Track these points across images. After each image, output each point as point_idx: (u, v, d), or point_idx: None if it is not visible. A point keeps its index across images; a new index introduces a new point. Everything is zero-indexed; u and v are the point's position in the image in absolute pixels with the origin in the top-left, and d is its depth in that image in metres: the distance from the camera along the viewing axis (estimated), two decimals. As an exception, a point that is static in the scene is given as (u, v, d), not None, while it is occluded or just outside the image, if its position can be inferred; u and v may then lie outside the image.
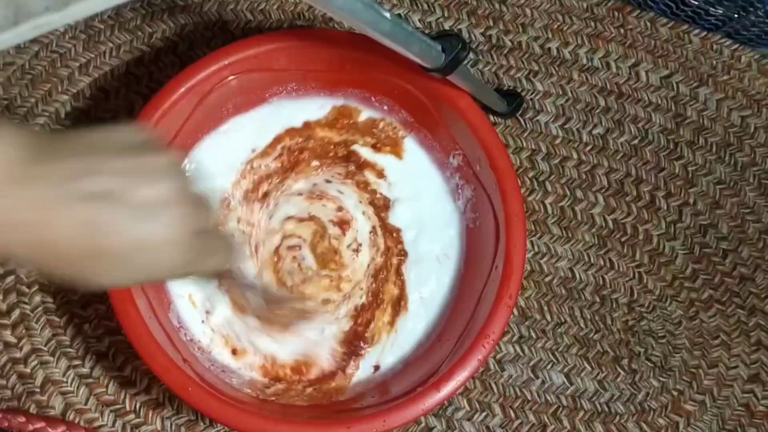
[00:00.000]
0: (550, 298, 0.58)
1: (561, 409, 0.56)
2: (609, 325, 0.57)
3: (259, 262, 0.53)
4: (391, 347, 0.53)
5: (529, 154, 0.60)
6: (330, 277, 0.54)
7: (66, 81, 0.59)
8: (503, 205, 0.49)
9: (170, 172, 0.31)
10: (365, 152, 0.56)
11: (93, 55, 0.59)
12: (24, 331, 0.54)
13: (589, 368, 0.56)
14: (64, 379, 0.53)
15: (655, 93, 0.62)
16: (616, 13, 0.63)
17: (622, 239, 0.59)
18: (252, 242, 0.54)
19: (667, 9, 0.62)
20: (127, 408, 0.53)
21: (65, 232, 0.28)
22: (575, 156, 0.60)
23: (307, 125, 0.56)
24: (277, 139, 0.56)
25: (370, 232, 0.55)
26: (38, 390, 0.53)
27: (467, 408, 0.55)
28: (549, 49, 0.62)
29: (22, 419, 0.50)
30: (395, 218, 0.55)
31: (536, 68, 0.62)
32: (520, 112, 0.60)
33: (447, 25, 0.62)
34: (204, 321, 0.52)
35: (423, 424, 0.55)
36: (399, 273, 0.54)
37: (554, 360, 0.56)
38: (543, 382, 0.56)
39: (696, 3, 0.61)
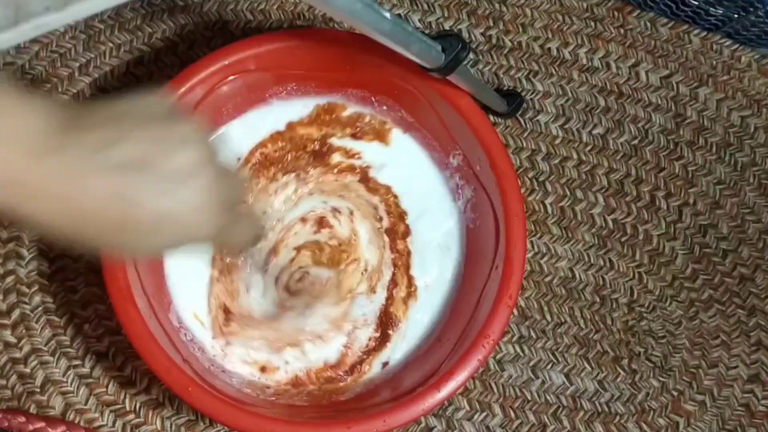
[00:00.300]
0: (550, 298, 0.58)
1: (561, 409, 0.56)
2: (609, 325, 0.57)
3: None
4: (403, 340, 0.53)
5: (529, 154, 0.60)
6: (348, 262, 0.54)
7: (66, 81, 0.59)
8: (503, 205, 0.49)
9: (197, 139, 0.31)
10: (340, 142, 0.56)
11: (93, 55, 0.59)
12: (24, 331, 0.54)
13: (589, 368, 0.56)
14: (64, 379, 0.53)
15: (655, 93, 0.62)
16: (616, 13, 0.63)
17: (622, 239, 0.59)
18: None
19: (667, 9, 0.62)
20: (127, 408, 0.53)
21: (95, 201, 0.28)
22: (575, 156, 0.60)
23: (290, 126, 0.56)
24: (261, 144, 0.55)
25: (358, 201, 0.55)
26: (38, 390, 0.53)
27: (467, 408, 0.55)
28: (549, 49, 0.62)
29: (22, 419, 0.50)
30: (384, 180, 0.56)
31: (536, 68, 0.62)
32: (520, 112, 0.60)
33: (447, 25, 0.62)
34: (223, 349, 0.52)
35: (423, 424, 0.55)
36: (405, 237, 0.54)
37: (554, 360, 0.56)
38: (543, 382, 0.56)
39: (696, 3, 0.61)
